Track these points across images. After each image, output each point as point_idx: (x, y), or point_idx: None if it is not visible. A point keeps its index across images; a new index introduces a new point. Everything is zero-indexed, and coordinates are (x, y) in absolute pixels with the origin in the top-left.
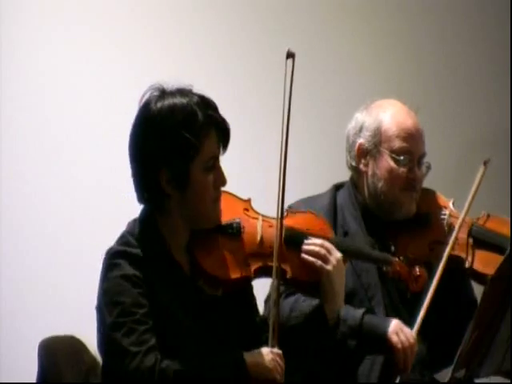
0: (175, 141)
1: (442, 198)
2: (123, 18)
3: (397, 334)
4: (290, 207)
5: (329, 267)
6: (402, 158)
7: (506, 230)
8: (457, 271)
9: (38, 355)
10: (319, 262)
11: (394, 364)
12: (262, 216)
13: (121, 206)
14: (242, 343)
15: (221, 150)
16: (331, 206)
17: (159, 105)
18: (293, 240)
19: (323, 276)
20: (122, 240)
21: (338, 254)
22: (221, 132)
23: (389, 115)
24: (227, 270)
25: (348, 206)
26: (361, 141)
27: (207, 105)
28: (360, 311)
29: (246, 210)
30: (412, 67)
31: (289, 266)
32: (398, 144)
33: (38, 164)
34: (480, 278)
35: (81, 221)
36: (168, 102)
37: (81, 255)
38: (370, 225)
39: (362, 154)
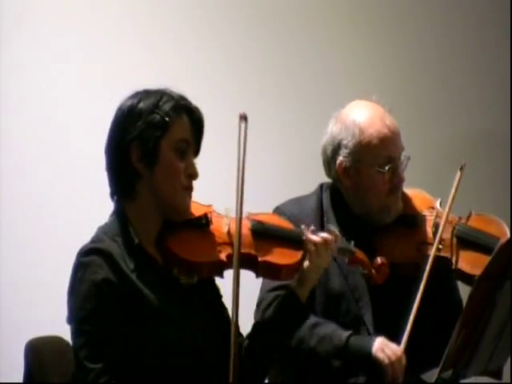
0: (146, 117)
1: (429, 198)
2: (124, 20)
3: (382, 350)
4: (277, 208)
5: (317, 259)
6: (386, 168)
7: (491, 229)
8: (442, 272)
9: (25, 356)
10: (313, 247)
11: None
12: (227, 217)
13: None
14: (215, 332)
15: (193, 138)
16: (318, 208)
17: (132, 97)
18: (259, 229)
19: (305, 265)
20: (94, 238)
21: (330, 255)
22: (193, 119)
23: (365, 126)
24: (201, 254)
25: (332, 210)
26: (341, 159)
27: (181, 96)
28: (346, 333)
29: (210, 212)
30: (400, 67)
31: (258, 251)
32: (381, 156)
33: (39, 163)
34: (466, 278)
35: (76, 220)
36: (142, 92)
37: (71, 256)
38: (355, 229)
39: (344, 171)
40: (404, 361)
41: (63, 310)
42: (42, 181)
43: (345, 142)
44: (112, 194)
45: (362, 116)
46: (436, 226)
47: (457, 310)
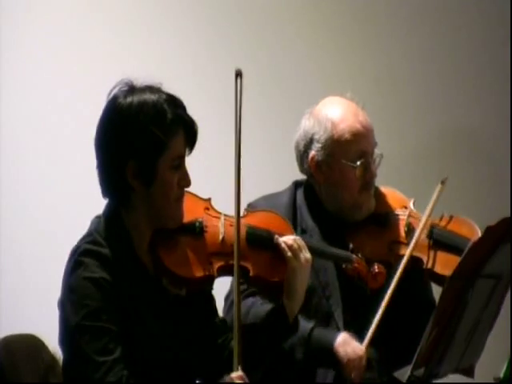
0: (144, 136)
1: (402, 198)
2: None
3: (343, 347)
4: (249, 205)
5: (297, 263)
6: (358, 163)
7: (465, 231)
8: (414, 272)
9: None
10: (289, 254)
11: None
12: (224, 215)
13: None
14: (202, 343)
15: (187, 150)
16: (291, 205)
17: (129, 99)
18: (256, 238)
19: (289, 271)
20: (90, 238)
21: (308, 254)
22: (188, 132)
23: (338, 121)
24: (191, 268)
25: (306, 206)
26: (313, 153)
27: (176, 104)
28: (310, 324)
29: (207, 209)
30: (397, 66)
31: (251, 264)
32: (352, 150)
33: (38, 163)
34: (438, 279)
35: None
36: (138, 97)
37: (42, 255)
38: (328, 225)
39: (316, 166)
40: (364, 361)
41: (36, 309)
42: (39, 178)
43: (317, 137)
44: (104, 194)
45: (335, 111)
46: (408, 226)
47: (429, 310)
